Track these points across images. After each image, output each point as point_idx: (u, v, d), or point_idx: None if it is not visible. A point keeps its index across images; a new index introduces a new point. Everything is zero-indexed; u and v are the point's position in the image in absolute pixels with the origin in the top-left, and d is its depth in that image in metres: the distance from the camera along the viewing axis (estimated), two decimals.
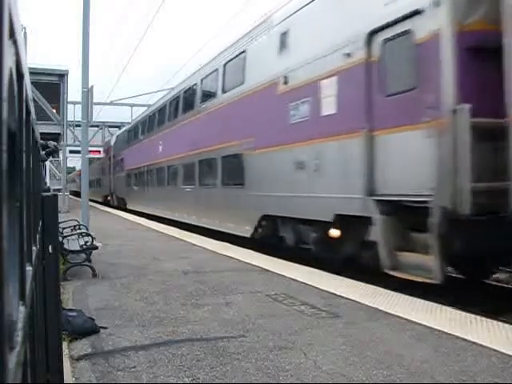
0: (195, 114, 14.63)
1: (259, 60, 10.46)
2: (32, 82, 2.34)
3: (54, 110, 25.73)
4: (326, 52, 7.90)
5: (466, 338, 4.13)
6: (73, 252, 7.33)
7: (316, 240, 8.30)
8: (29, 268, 1.34)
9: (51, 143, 7.36)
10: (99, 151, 20.94)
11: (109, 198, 32.94)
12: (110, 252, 9.64)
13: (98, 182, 39.89)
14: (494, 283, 7.68)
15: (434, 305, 5.28)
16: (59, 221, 3.19)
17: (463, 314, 4.91)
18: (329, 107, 7.89)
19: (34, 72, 20.28)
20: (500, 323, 4.56)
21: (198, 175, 14.36)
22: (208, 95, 13.87)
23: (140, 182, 23.38)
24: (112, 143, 32.27)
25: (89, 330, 4.42)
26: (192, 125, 14.92)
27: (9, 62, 0.67)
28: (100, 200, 36.66)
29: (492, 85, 5.50)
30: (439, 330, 4.36)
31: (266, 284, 6.54)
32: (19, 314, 0.90)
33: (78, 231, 9.29)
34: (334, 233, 7.73)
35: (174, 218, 16.54)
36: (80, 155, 15.08)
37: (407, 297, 5.68)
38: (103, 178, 35.87)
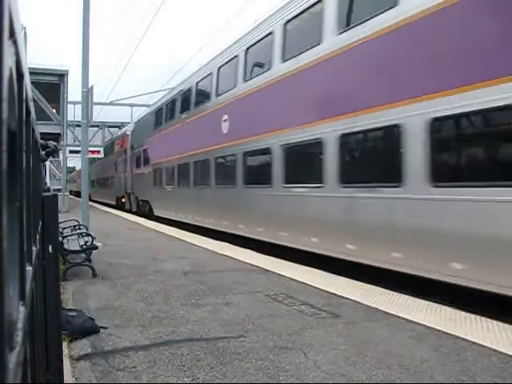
0: (333, 52, 8.19)
1: None
2: (32, 82, 2.34)
3: (54, 110, 25.72)
4: None
5: (466, 337, 4.14)
6: (73, 252, 7.33)
7: None
8: (29, 268, 1.34)
9: (51, 143, 7.33)
10: (99, 151, 20.46)
11: (123, 200, 26.70)
12: (110, 252, 9.64)
13: (108, 181, 33.52)
14: None
15: (434, 305, 5.29)
16: (59, 221, 3.19)
17: (463, 313, 4.92)
18: None
19: (33, 72, 20.30)
20: (500, 323, 4.56)
21: (336, 165, 7.94)
22: (362, 14, 7.62)
23: (179, 181, 16.39)
24: (129, 131, 25.70)
25: (89, 329, 4.42)
26: (319, 74, 8.59)
27: (9, 62, 0.67)
28: (111, 203, 30.49)
29: None
30: (439, 330, 4.36)
31: (266, 284, 6.54)
32: (19, 314, 0.90)
33: (78, 231, 9.29)
34: None
35: (255, 237, 10.55)
36: (80, 155, 15.00)
37: (407, 297, 5.68)
38: (116, 176, 29.42)
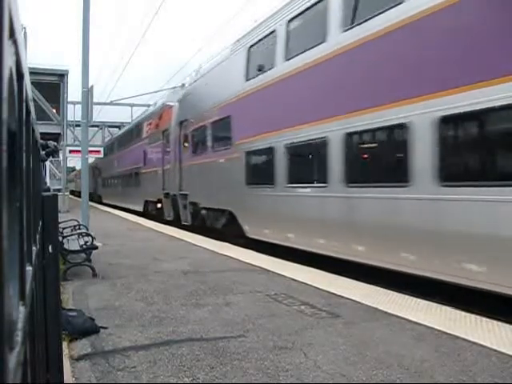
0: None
1: None
2: (32, 82, 2.34)
3: (54, 110, 25.74)
4: None
5: (466, 337, 4.14)
6: (73, 252, 7.33)
7: None
8: (29, 268, 1.34)
9: (51, 143, 7.34)
10: (99, 151, 20.25)
11: (159, 205, 18.04)
12: (110, 252, 9.64)
13: (130, 179, 24.16)
14: None
15: (434, 305, 5.28)
16: (59, 221, 3.19)
17: (463, 313, 4.92)
18: None
19: (33, 72, 20.32)
20: (500, 323, 4.56)
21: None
22: None
23: (352, 175, 7.73)
24: (175, 101, 16.55)
25: (89, 329, 4.42)
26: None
27: (9, 62, 0.67)
28: (136, 209, 22.11)
29: None
30: (439, 330, 4.36)
31: (266, 284, 6.54)
32: (19, 314, 0.90)
33: (78, 231, 9.29)
34: None
35: None
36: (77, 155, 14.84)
37: (407, 297, 5.68)
38: (145, 171, 20.93)
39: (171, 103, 16.99)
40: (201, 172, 13.71)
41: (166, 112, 17.61)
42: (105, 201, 33.23)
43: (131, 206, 23.33)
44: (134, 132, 24.67)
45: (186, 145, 15.00)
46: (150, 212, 19.59)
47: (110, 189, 32.40)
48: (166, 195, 16.87)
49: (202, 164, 13.63)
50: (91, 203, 27.88)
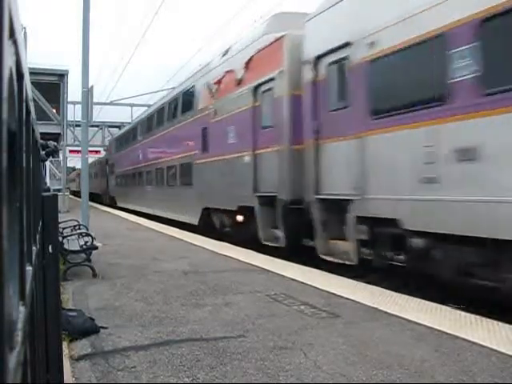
0: None
1: None
2: (32, 82, 2.34)
3: (54, 110, 25.71)
4: None
5: (466, 337, 4.13)
6: (73, 252, 7.33)
7: None
8: (29, 268, 1.34)
9: (51, 143, 7.34)
10: (99, 151, 20.15)
11: (241, 217, 10.79)
12: (110, 252, 9.64)
13: (172, 175, 16.87)
14: None
15: (434, 305, 5.28)
16: (59, 221, 3.19)
17: (463, 313, 4.91)
18: None
19: (33, 72, 20.28)
20: (500, 323, 4.56)
21: None
22: None
23: None
24: (294, 27, 8.82)
25: (89, 329, 4.42)
26: None
27: (9, 62, 0.67)
28: (185, 220, 14.65)
29: None
30: (439, 330, 4.36)
31: (266, 284, 6.54)
32: (19, 314, 0.90)
33: (78, 231, 9.29)
34: None
35: None
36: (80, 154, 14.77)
37: (407, 297, 5.68)
38: (207, 161, 13.07)
39: (278, 33, 9.40)
40: (413, 153, 6.16)
41: (266, 52, 9.88)
42: (122, 205, 25.43)
43: (172, 215, 16.01)
44: (178, 105, 16.40)
45: (338, 101, 7.87)
46: (219, 228, 12.30)
47: (130, 189, 24.01)
48: (265, 202, 9.86)
49: (410, 135, 6.19)
50: (100, 206, 26.00)
